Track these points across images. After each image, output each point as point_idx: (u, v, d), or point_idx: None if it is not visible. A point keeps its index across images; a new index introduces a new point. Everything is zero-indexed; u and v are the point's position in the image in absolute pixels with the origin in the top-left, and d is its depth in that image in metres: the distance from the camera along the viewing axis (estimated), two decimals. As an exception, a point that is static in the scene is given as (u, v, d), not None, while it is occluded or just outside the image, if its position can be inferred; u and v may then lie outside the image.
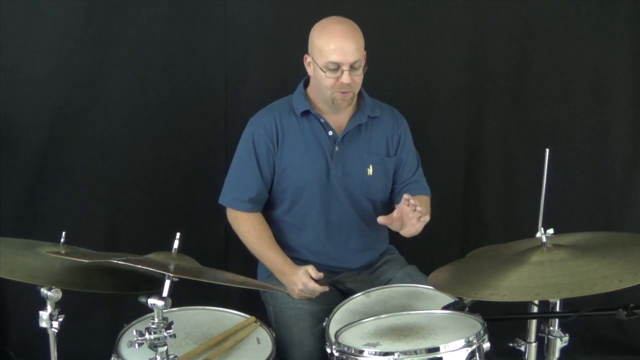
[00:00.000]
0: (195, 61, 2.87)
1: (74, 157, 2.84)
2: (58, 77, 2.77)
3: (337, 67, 2.19)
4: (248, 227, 2.36)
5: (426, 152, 2.82)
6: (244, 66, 2.90)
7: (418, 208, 2.14)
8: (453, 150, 3.11)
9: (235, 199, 2.36)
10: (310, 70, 2.30)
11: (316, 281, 2.22)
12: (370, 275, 2.44)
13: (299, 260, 2.34)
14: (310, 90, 2.36)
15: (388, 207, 2.48)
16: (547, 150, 1.92)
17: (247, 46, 2.88)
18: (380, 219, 2.22)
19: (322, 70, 2.20)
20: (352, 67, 2.19)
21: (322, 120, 2.33)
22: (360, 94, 2.38)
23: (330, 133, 2.33)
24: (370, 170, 2.37)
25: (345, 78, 2.19)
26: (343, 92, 2.22)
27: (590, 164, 3.18)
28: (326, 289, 2.23)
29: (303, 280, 2.22)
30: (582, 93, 3.12)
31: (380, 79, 2.75)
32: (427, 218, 2.18)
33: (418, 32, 2.99)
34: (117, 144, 2.86)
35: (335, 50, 2.17)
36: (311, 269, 2.23)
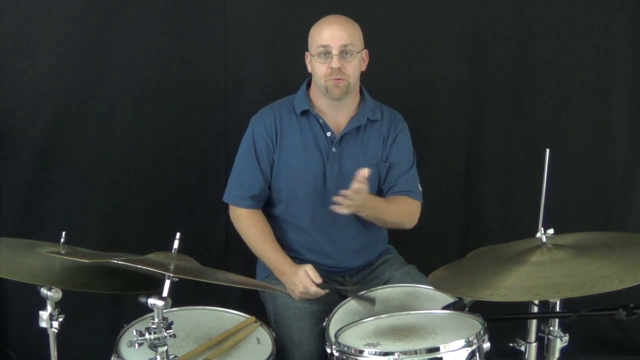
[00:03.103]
0: (195, 61, 2.87)
1: (74, 157, 2.84)
2: (58, 77, 2.78)
3: (327, 52, 2.22)
4: (249, 225, 2.36)
5: (426, 152, 2.82)
6: (244, 66, 2.90)
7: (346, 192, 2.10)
8: (453, 150, 3.11)
9: (237, 196, 2.37)
10: (309, 68, 2.31)
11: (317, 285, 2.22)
12: (369, 275, 2.44)
13: (298, 260, 2.34)
14: (312, 90, 2.37)
15: None
16: (547, 150, 1.92)
17: (247, 46, 2.89)
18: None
19: (315, 59, 2.23)
20: (342, 53, 2.21)
21: (321, 121, 2.33)
22: (362, 94, 2.39)
23: (329, 134, 2.33)
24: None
25: (335, 62, 2.21)
26: (335, 79, 2.23)
27: (590, 164, 3.18)
28: (326, 291, 2.23)
29: (305, 283, 2.22)
30: (582, 93, 3.12)
31: (380, 79, 2.75)
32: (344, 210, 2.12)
33: (418, 32, 2.99)
34: (117, 143, 2.86)
35: (324, 35, 2.23)
36: (310, 270, 2.23)
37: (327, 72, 2.23)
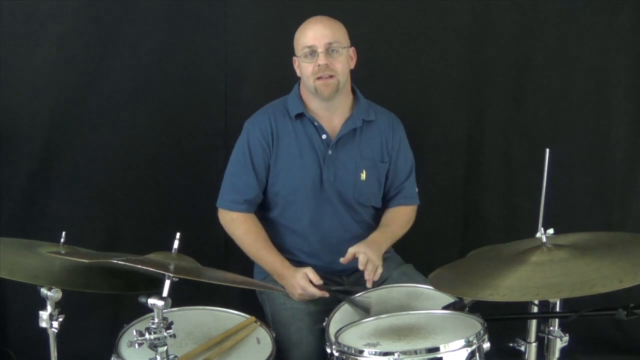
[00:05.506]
0: (195, 61, 2.87)
1: (74, 157, 2.84)
2: (58, 77, 2.77)
3: (312, 52, 2.22)
4: (244, 230, 2.35)
5: (426, 152, 2.82)
6: (244, 66, 2.90)
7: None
8: (453, 150, 3.11)
9: (232, 200, 2.36)
10: (298, 71, 2.31)
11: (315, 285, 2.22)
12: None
13: (295, 262, 2.34)
14: (304, 92, 2.36)
15: (380, 211, 2.48)
16: (547, 150, 1.93)
17: (247, 46, 2.89)
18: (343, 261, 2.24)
19: (302, 60, 2.24)
20: (328, 50, 2.21)
21: (316, 124, 2.32)
22: (355, 95, 2.38)
23: (324, 136, 2.33)
24: (363, 175, 2.36)
25: (321, 59, 2.21)
26: (324, 78, 2.23)
27: (590, 164, 3.18)
28: (326, 294, 2.22)
29: (302, 284, 2.21)
30: (582, 93, 3.12)
31: (379, 79, 2.75)
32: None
33: (418, 32, 2.99)
34: (117, 143, 2.86)
35: (308, 35, 2.23)
36: (310, 272, 2.22)
37: (314, 70, 2.22)
